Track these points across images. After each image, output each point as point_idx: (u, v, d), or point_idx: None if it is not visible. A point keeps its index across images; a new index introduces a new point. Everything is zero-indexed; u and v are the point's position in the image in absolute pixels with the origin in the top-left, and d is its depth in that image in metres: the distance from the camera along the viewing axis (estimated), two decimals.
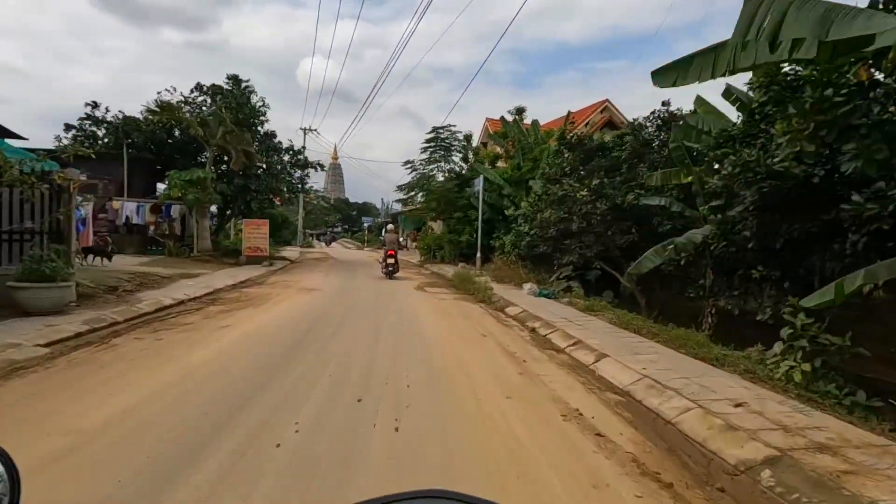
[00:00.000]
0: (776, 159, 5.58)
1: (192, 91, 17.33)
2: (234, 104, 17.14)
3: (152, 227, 16.12)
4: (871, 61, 5.00)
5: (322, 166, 21.36)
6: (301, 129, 46.25)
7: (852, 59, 4.97)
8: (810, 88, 5.18)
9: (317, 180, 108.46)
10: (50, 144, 16.32)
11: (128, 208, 15.51)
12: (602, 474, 2.96)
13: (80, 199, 10.08)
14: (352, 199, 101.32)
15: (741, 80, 7.85)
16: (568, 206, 10.53)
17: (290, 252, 28.98)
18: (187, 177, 14.92)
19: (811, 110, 5.03)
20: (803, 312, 4.54)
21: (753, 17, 3.69)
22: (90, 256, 12.08)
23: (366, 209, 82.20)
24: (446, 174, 22.15)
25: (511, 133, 20.66)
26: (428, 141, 21.99)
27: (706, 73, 4.72)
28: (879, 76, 5.10)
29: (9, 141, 9.43)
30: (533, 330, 7.58)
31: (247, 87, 17.94)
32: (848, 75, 5.11)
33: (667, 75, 5.05)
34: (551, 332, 7.19)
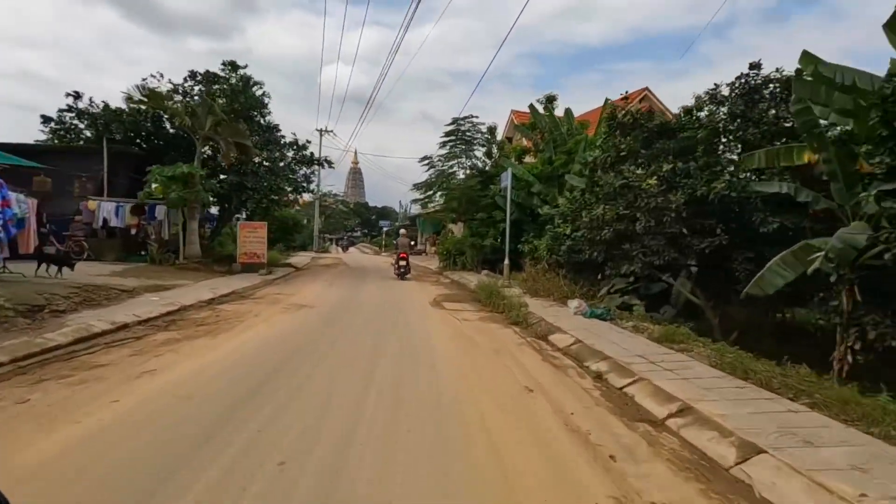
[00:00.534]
0: None
1: (185, 80, 15.47)
2: (230, 92, 15.17)
3: (134, 231, 14.21)
4: None
5: (330, 163, 19.40)
6: (317, 129, 44.56)
7: None
8: None
9: (333, 182, 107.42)
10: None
11: (105, 209, 13.64)
12: None
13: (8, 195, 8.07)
14: (371, 204, 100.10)
15: None
16: (628, 199, 8.07)
17: (300, 258, 27.03)
18: (170, 172, 12.95)
19: None
20: None
21: None
22: (46, 266, 10.09)
23: (385, 213, 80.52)
24: (468, 171, 19.84)
25: (541, 124, 18.22)
26: (447, 134, 19.75)
27: None
28: None
29: None
30: (599, 376, 5.15)
31: (244, 74, 15.98)
32: None
33: None
34: (631, 384, 4.75)
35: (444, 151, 19.90)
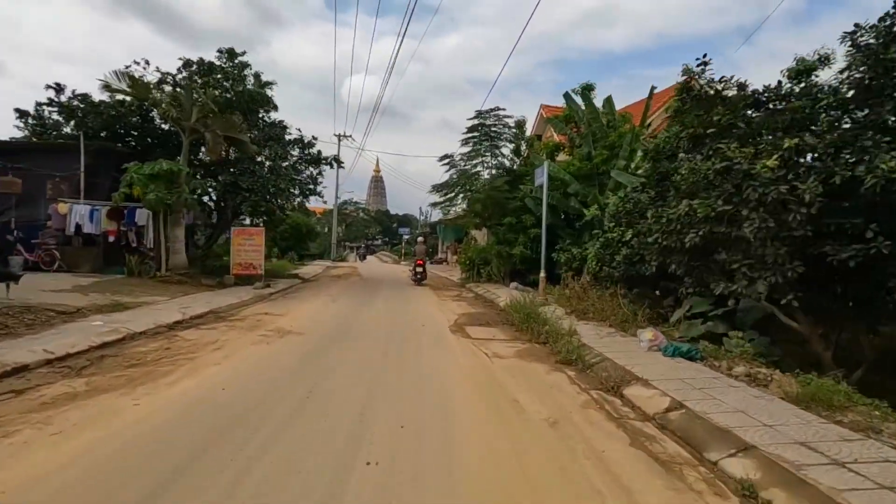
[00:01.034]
0: None
1: (178, 70, 13.78)
2: (224, 81, 13.39)
3: (112, 238, 12.44)
4: None
5: (340, 162, 17.45)
6: (335, 135, 43.06)
7: None
8: None
9: (352, 188, 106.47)
10: None
11: (77, 213, 11.91)
12: None
13: None
14: (393, 212, 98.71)
15: None
16: (726, 191, 5.73)
17: (312, 268, 25.19)
18: (149, 170, 11.13)
19: None
20: None
21: None
22: None
23: (406, 221, 78.91)
24: (493, 171, 17.66)
25: (577, 115, 15.93)
26: (470, 130, 17.60)
27: None
28: None
29: None
30: (753, 496, 2.84)
31: (242, 61, 14.17)
32: None
33: None
34: None
35: (466, 149, 17.80)
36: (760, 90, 7.22)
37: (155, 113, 13.63)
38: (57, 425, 3.57)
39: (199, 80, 13.86)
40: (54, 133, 13.52)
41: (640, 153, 15.10)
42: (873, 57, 5.58)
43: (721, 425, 3.66)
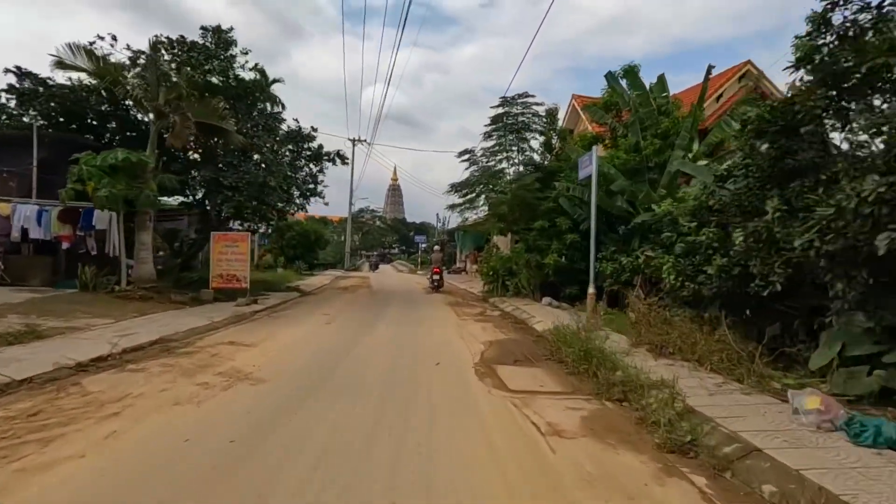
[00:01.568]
0: None
1: (153, 49, 11.78)
2: (206, 61, 11.33)
3: (66, 244, 10.41)
4: None
5: (344, 158, 15.23)
6: (349, 139, 41.26)
7: None
8: None
9: (366, 195, 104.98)
10: None
11: (22, 215, 9.92)
12: None
13: None
14: (410, 220, 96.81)
15: None
16: None
17: (320, 279, 23.08)
18: (103, 160, 9.07)
19: None
20: None
21: None
22: None
23: (423, 229, 76.89)
24: (520, 167, 15.27)
25: (622, 101, 13.48)
26: (494, 120, 15.26)
27: None
28: None
29: None
30: None
31: (227, 37, 12.10)
32: None
33: None
34: None
35: (488, 144, 15.45)
36: None
37: (129, 101, 11.61)
38: None
39: (174, 57, 11.80)
40: (7, 123, 11.58)
41: (696, 145, 12.62)
42: None
43: None
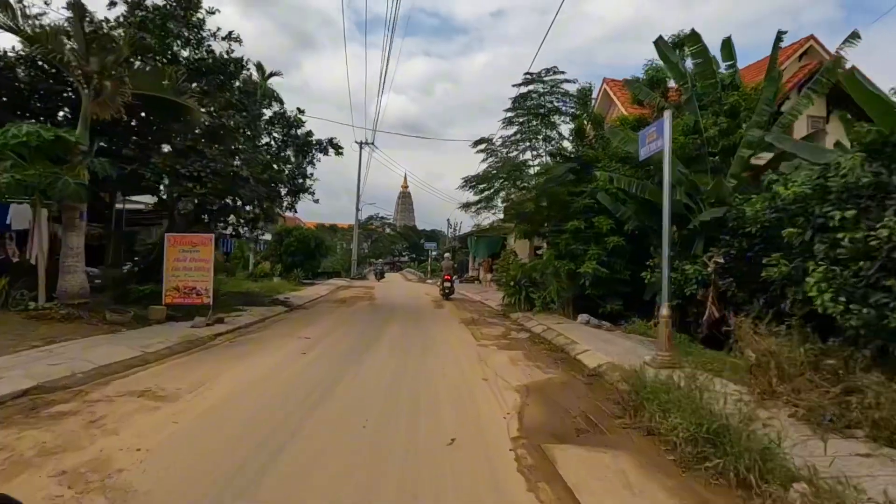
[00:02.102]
0: None
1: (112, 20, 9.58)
2: (159, 20, 9.10)
3: None
4: None
5: (338, 148, 12.92)
6: (356, 142, 39.21)
7: None
8: None
9: (375, 202, 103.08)
10: None
11: None
12: None
13: None
14: (420, 227, 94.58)
15: None
16: None
17: (317, 289, 20.74)
18: (14, 136, 6.83)
19: None
20: None
21: None
22: None
23: (433, 236, 74.59)
24: (548, 158, 12.83)
25: (675, 74, 11.01)
26: (516, 102, 12.81)
27: None
28: None
29: None
30: None
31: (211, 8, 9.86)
32: None
33: None
34: None
35: (509, 132, 13.04)
36: None
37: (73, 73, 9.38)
38: None
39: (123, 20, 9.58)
40: None
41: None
42: None
43: None
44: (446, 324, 11.22)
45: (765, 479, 2.86)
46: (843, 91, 8.35)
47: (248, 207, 12.67)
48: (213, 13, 10.28)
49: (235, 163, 9.27)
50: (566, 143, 12.98)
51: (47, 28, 7.79)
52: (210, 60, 10.74)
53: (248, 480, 3.04)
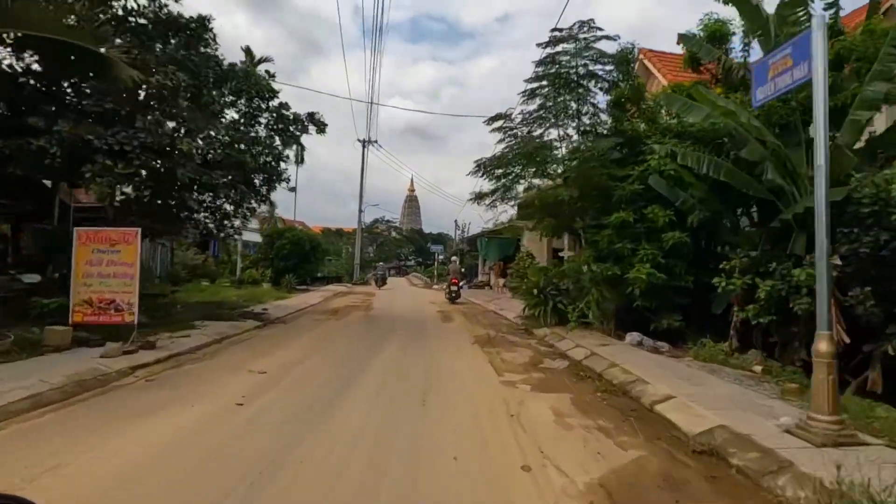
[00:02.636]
0: None
1: None
2: None
3: None
4: None
5: (320, 125, 10.49)
6: (359, 140, 37.00)
7: None
8: None
9: (380, 205, 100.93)
10: None
11: None
12: None
13: None
14: (427, 231, 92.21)
15: None
16: None
17: (308, 297, 18.38)
18: None
19: None
20: None
21: None
22: None
23: (440, 239, 72.17)
24: (581, 136, 10.35)
25: (752, 21, 8.46)
26: (538, 67, 10.34)
27: None
28: None
29: None
30: None
31: None
32: None
33: None
34: None
35: (531, 107, 10.60)
36: None
37: None
38: None
39: None
40: None
41: None
42: None
43: None
44: (456, 345, 8.77)
45: None
46: None
47: (209, 199, 10.32)
48: (250, 51, 8.06)
49: (169, 131, 6.90)
50: (604, 118, 10.50)
51: None
52: (161, 15, 8.42)
53: None
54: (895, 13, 13.26)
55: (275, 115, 9.29)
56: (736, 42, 10.03)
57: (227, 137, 8.53)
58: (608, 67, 10.24)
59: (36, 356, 5.80)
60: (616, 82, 10.24)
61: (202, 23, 9.46)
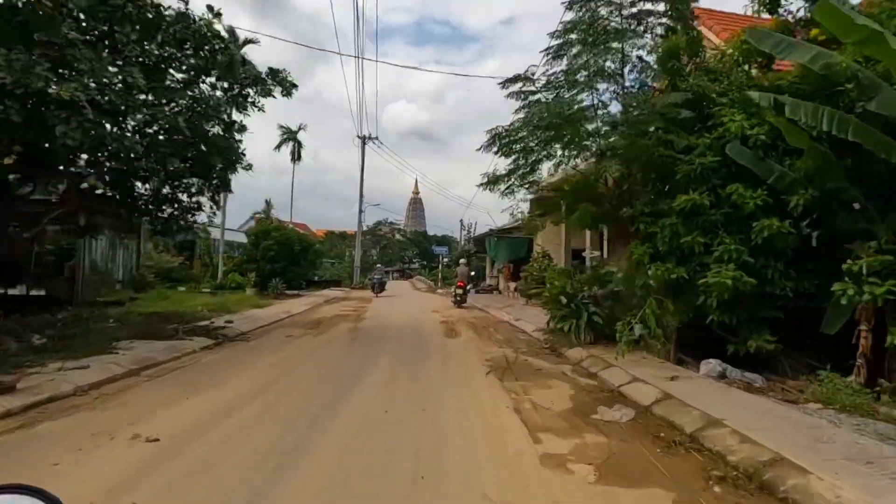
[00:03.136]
0: None
1: None
2: None
3: None
4: None
5: (288, 87, 8.20)
6: (358, 136, 34.88)
7: None
8: None
9: (384, 208, 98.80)
10: None
11: None
12: None
13: None
14: (431, 233, 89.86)
15: None
16: None
17: (292, 304, 16.09)
18: None
19: None
20: None
21: None
22: None
23: (445, 241, 69.78)
24: (621, 102, 8.00)
25: None
26: (565, 25, 8.05)
27: None
28: None
29: None
30: None
31: None
32: None
33: None
34: None
35: (559, 67, 8.24)
36: None
37: None
38: None
39: None
40: None
41: None
42: None
43: None
44: (464, 376, 6.41)
45: None
46: None
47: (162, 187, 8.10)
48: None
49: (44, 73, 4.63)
50: (648, 81, 8.17)
51: None
52: None
53: None
54: None
55: (223, 67, 6.98)
56: None
57: (143, 90, 6.17)
58: (659, 7, 7.88)
59: None
60: (671, 29, 7.87)
61: None
